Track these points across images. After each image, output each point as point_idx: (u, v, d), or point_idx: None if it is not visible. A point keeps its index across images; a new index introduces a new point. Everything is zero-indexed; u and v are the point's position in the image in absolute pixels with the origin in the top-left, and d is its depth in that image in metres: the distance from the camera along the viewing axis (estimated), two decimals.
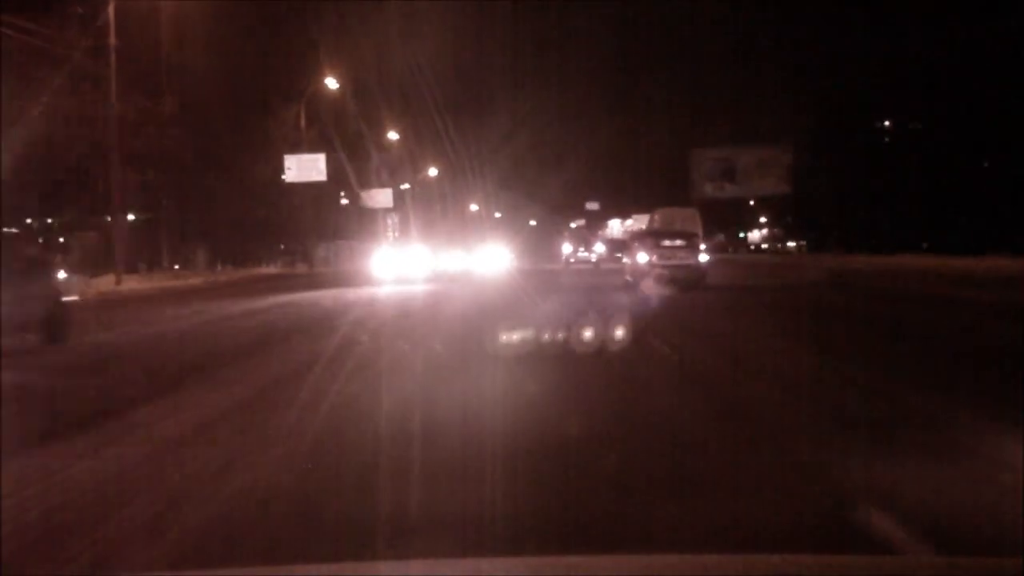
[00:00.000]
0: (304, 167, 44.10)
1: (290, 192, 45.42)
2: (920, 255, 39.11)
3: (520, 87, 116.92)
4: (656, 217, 27.51)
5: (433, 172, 75.94)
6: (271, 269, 45.87)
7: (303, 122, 44.93)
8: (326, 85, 45.45)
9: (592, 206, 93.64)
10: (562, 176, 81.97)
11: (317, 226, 56.65)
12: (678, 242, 24.19)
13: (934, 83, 47.86)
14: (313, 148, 45.13)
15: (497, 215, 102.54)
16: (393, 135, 63.12)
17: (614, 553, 3.14)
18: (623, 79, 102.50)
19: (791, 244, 75.13)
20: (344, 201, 61.51)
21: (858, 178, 49.26)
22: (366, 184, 63.50)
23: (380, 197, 63.63)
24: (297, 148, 44.63)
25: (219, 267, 42.53)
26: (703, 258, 24.62)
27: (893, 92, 50.12)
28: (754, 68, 57.50)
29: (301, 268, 48.22)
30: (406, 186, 71.68)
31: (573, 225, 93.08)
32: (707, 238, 27.81)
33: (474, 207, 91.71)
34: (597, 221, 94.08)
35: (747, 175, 47.28)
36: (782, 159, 47.22)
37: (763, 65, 56.70)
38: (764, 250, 78.83)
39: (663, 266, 23.69)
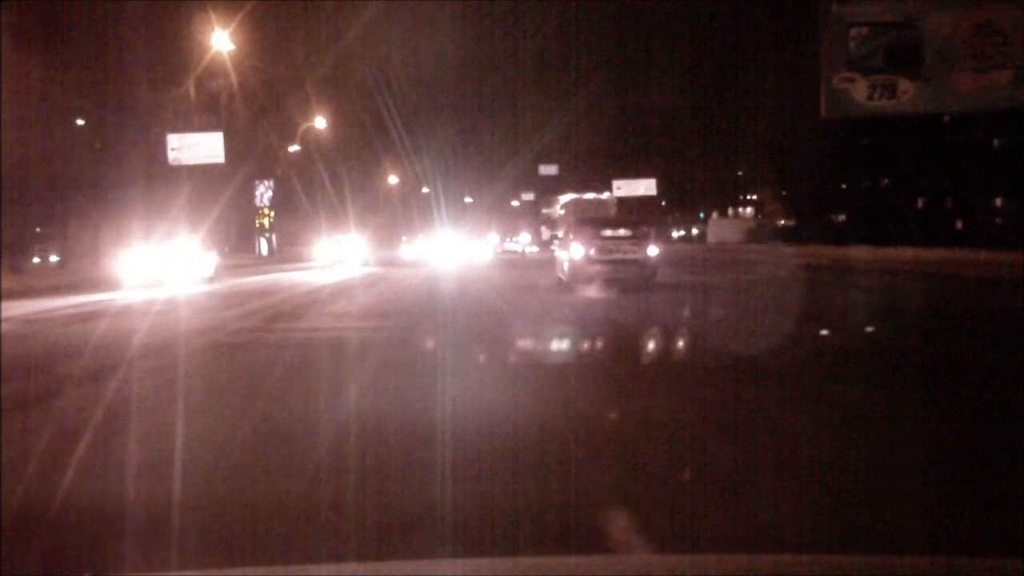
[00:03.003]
0: None
1: None
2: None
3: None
4: (569, 208, 26.22)
5: (321, 124, 52.28)
6: None
7: None
8: None
9: (548, 170, 68.62)
10: (514, 127, 58.76)
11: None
12: (622, 232, 21.22)
13: None
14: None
15: (425, 190, 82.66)
16: (224, 42, 36.87)
17: (614, 553, 3.42)
18: None
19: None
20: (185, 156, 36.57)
21: None
22: (182, 125, 38.04)
23: (205, 146, 37.85)
24: None
25: None
26: (652, 251, 21.16)
27: None
28: None
29: None
30: (295, 148, 49.45)
31: (515, 203, 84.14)
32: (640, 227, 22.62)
33: (394, 179, 70.81)
34: (551, 193, 76.61)
35: (949, 59, 20.20)
36: None
37: None
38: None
39: (605, 261, 20.44)
